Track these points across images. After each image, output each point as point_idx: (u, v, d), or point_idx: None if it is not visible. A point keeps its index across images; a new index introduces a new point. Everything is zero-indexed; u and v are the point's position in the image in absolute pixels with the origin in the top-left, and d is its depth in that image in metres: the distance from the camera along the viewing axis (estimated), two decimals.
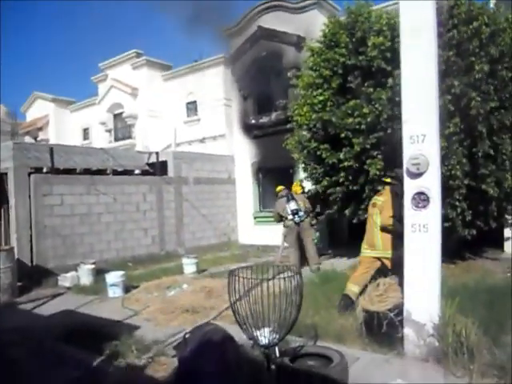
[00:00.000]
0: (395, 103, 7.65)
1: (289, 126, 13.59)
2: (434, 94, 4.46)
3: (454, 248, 9.57)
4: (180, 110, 18.30)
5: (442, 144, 7.20)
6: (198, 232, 13.72)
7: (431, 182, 4.42)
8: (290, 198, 9.32)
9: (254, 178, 14.91)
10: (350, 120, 7.87)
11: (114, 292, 7.83)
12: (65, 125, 23.45)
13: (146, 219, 12.09)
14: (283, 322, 3.81)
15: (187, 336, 4.29)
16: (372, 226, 6.01)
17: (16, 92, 56.06)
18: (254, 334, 3.84)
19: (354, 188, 8.47)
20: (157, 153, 12.99)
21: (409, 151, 4.50)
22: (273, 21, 14.07)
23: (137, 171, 13.00)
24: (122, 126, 19.87)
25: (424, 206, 4.44)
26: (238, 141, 15.31)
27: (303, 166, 9.71)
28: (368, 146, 7.85)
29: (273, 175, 14.50)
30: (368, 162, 7.81)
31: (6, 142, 10.69)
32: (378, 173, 7.62)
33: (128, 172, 12.57)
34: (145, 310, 6.69)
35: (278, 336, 3.80)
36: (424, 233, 4.43)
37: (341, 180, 8.45)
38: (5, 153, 9.88)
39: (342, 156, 8.19)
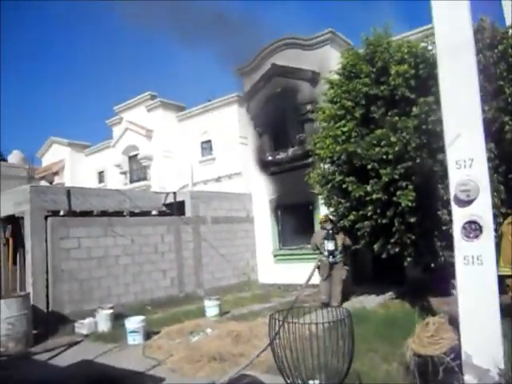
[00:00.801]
0: (422, 131, 7.41)
1: (308, 160, 13.52)
2: (478, 115, 4.15)
3: None
4: (195, 149, 18.27)
5: None
6: (217, 272, 13.28)
7: (483, 209, 4.05)
8: (330, 236, 9.02)
9: (272, 215, 14.56)
10: (377, 150, 7.57)
11: (134, 339, 7.39)
12: (80, 169, 23.58)
13: (164, 260, 11.73)
14: (333, 371, 3.38)
15: None
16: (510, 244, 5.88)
17: (32, 138, 57.44)
18: None
19: (383, 221, 8.07)
20: (174, 193, 12.79)
21: (456, 177, 4.15)
22: (286, 58, 14.11)
23: (154, 212, 12.76)
24: (137, 168, 19.86)
25: (476, 236, 4.05)
26: (255, 178, 15.08)
27: (326, 200, 9.34)
28: (396, 177, 7.50)
29: (292, 212, 14.16)
30: (398, 193, 7.45)
31: (23, 186, 10.58)
32: (410, 204, 7.24)
33: (145, 213, 12.33)
34: (168, 358, 6.23)
35: None
36: (478, 265, 4.01)
37: (369, 214, 8.06)
38: (21, 196, 9.72)
39: (369, 188, 7.85)
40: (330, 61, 13.27)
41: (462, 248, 4.11)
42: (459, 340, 4.14)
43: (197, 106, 18.41)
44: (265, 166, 14.66)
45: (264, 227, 14.68)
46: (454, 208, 4.18)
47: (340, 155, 8.16)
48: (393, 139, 7.35)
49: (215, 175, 17.42)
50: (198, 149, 18.27)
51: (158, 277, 11.56)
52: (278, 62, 14.22)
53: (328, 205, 9.26)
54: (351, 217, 8.37)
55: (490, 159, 6.70)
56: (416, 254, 8.06)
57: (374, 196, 7.78)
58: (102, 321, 8.65)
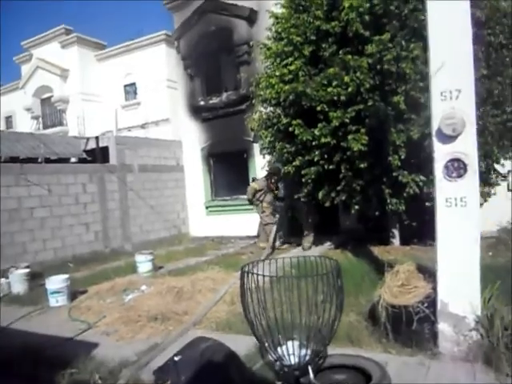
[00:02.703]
0: (376, 72, 6.95)
1: (243, 106, 12.79)
2: (468, 42, 3.68)
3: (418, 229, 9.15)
4: (117, 93, 16.69)
5: None
6: (146, 225, 12.39)
7: (468, 146, 3.66)
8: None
9: (204, 164, 13.75)
10: (329, 90, 7.00)
11: (57, 300, 6.46)
12: None
13: (86, 213, 10.61)
14: (316, 331, 2.87)
15: (177, 358, 3.22)
16: None
17: None
18: (279, 351, 2.87)
19: (330, 167, 7.66)
20: (96, 138, 11.48)
21: (440, 109, 3.69)
22: None
23: (73, 159, 11.45)
24: (51, 112, 17.85)
25: (460, 176, 3.67)
26: (185, 125, 14.05)
27: (269, 145, 8.70)
28: (347, 120, 7.04)
29: (225, 161, 13.46)
30: (349, 137, 7.00)
31: None
32: (362, 149, 6.84)
33: (63, 160, 10.99)
34: (101, 320, 5.45)
35: (308, 351, 2.86)
36: (462, 207, 3.65)
37: (315, 159, 7.59)
38: None
39: (317, 132, 7.32)
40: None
41: (444, 188, 3.72)
42: (434, 288, 3.84)
43: (119, 45, 16.64)
44: (196, 111, 13.67)
45: (195, 177, 13.87)
46: (437, 145, 3.74)
47: (287, 96, 7.49)
48: (346, 79, 6.80)
49: (140, 121, 16.12)
50: (120, 92, 16.73)
51: (81, 231, 10.47)
52: None
53: (271, 150, 8.65)
54: (296, 162, 7.86)
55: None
56: (364, 202, 7.78)
57: (322, 140, 7.29)
58: (17, 281, 7.55)
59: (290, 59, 7.63)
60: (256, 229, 12.60)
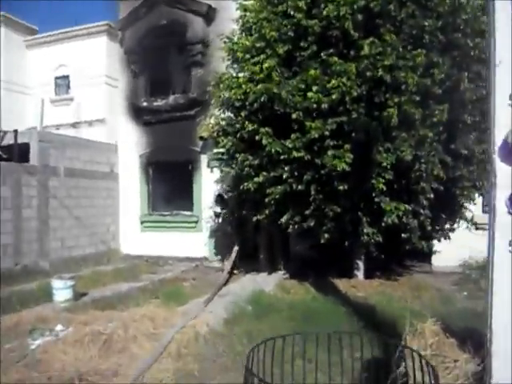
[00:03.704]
0: (366, 79, 5.95)
1: (191, 111, 11.46)
2: None
3: (384, 262, 8.33)
4: (47, 85, 14.64)
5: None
6: (69, 239, 10.53)
7: None
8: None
9: (142, 173, 12.16)
10: (310, 95, 5.88)
11: None
12: None
13: None
14: None
15: None
16: None
17: None
18: None
19: (299, 187, 6.54)
20: (15, 131, 9.56)
21: (506, 118, 2.67)
22: None
23: None
24: None
25: None
26: (123, 127, 12.41)
27: (227, 157, 7.44)
28: (327, 133, 5.96)
29: (167, 171, 11.98)
30: (329, 153, 5.92)
31: None
32: (346, 168, 5.76)
33: None
34: None
35: None
36: None
37: (284, 176, 6.43)
38: None
39: (289, 144, 6.19)
40: None
41: (507, 226, 2.67)
42: (483, 363, 2.76)
43: (53, 31, 14.68)
44: (137, 113, 12.13)
45: (131, 187, 12.22)
46: (499, 166, 2.71)
47: (257, 98, 6.29)
48: (331, 84, 5.74)
49: (72, 120, 14.18)
50: (51, 85, 14.70)
51: None
52: None
53: (228, 162, 7.36)
54: (259, 178, 6.65)
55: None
56: (336, 230, 6.70)
57: (294, 154, 6.16)
58: None
59: (262, 56, 6.46)
60: (195, 250, 11.26)
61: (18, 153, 9.44)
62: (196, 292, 7.51)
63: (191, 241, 11.36)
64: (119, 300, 6.77)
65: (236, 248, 8.26)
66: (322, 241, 6.87)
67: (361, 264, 8.08)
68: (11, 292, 7.44)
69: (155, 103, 11.83)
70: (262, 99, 6.21)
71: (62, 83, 14.66)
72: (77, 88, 14.47)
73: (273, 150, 6.31)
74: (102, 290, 7.63)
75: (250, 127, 6.49)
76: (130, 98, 12.23)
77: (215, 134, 7.90)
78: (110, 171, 12.09)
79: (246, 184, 6.87)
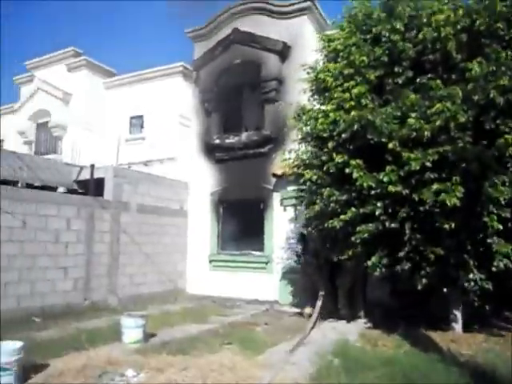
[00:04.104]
0: (473, 104, 5.28)
1: (264, 148, 11.17)
2: None
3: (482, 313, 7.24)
4: (122, 125, 15.08)
5: None
6: (138, 276, 10.30)
7: None
8: None
9: (213, 211, 11.90)
10: (410, 121, 5.28)
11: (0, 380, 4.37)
12: None
13: (67, 255, 8.58)
14: None
15: None
16: None
17: None
18: None
19: (392, 226, 5.83)
20: (92, 166, 9.67)
21: None
22: (252, 24, 11.67)
23: (61, 189, 9.57)
24: (45, 138, 16.14)
25: None
26: (194, 164, 12.33)
27: (310, 191, 6.85)
28: (428, 165, 5.28)
29: (237, 209, 11.64)
30: (434, 187, 5.21)
31: None
32: (458, 204, 5.01)
33: (49, 189, 9.12)
34: None
35: None
36: None
37: (377, 213, 5.77)
38: None
39: (384, 177, 5.56)
40: (304, 36, 11.11)
41: None
42: None
43: (131, 73, 15.25)
44: (210, 150, 12.03)
45: (200, 225, 11.96)
46: None
47: (347, 127, 5.78)
48: (437, 108, 5.11)
49: (143, 158, 14.36)
50: (125, 125, 15.12)
51: (57, 276, 8.38)
52: (241, 27, 11.71)
53: (312, 198, 6.77)
54: (348, 215, 6.01)
55: None
56: (436, 275, 5.86)
57: (392, 189, 5.50)
58: None
59: (352, 83, 5.99)
60: (265, 292, 10.62)
61: (94, 187, 9.46)
62: (271, 339, 6.83)
63: (261, 282, 10.79)
64: (190, 344, 6.23)
65: (322, 293, 7.52)
66: (419, 287, 6.03)
67: (458, 314, 7.07)
68: (79, 328, 7.18)
69: (228, 140, 11.68)
70: (355, 127, 5.68)
71: (136, 123, 15.03)
72: (150, 127, 14.74)
73: (365, 185, 5.71)
74: (171, 332, 7.15)
75: (339, 159, 5.94)
76: (203, 136, 12.20)
77: (295, 170, 7.41)
78: (180, 208, 11.94)
79: (331, 221, 6.24)
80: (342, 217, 6.14)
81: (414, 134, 5.38)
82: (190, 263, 11.99)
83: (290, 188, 10.42)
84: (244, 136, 11.54)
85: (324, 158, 6.24)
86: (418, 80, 5.72)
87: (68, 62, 15.55)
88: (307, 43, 10.91)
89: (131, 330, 6.10)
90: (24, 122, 16.43)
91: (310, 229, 7.21)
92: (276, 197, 10.94)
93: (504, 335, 7.13)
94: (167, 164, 14.00)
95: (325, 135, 6.18)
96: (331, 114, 5.97)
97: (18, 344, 4.62)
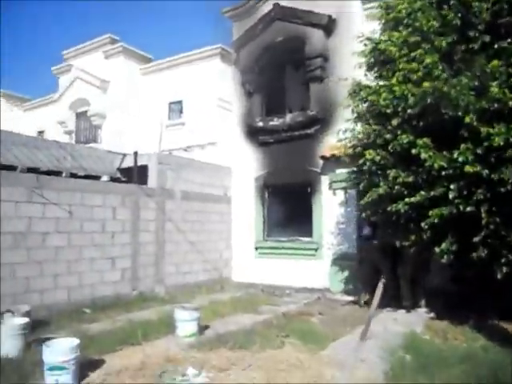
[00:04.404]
0: None
1: (311, 130, 10.62)
2: None
3: None
4: (161, 111, 14.83)
5: None
6: (184, 265, 10.07)
7: None
8: None
9: (257, 196, 11.49)
10: (493, 90, 4.66)
11: (57, 380, 4.13)
12: (16, 127, 19.29)
13: (114, 244, 8.39)
14: None
15: None
16: None
17: None
18: None
19: (467, 209, 5.25)
20: (135, 153, 9.41)
21: None
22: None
23: (105, 177, 9.38)
24: (85, 127, 16.12)
25: None
26: (237, 149, 11.93)
27: (374, 172, 6.27)
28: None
29: (284, 194, 11.17)
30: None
31: None
32: None
33: (92, 178, 8.93)
34: None
35: None
36: None
37: (451, 196, 5.20)
38: None
39: (459, 157, 4.97)
40: (351, 5, 10.39)
41: None
42: None
43: (167, 58, 14.92)
44: (253, 133, 11.57)
45: (245, 211, 11.59)
46: None
47: (417, 101, 5.19)
48: None
49: (183, 144, 14.08)
50: (164, 110, 14.87)
51: (105, 267, 8.21)
52: (282, 2, 11.10)
53: (374, 181, 6.20)
54: (416, 198, 5.46)
55: None
56: None
57: (469, 169, 4.91)
58: (8, 336, 5.27)
59: (420, 51, 5.37)
60: (314, 280, 10.19)
61: (137, 175, 9.22)
62: (330, 331, 6.41)
63: (310, 269, 10.34)
64: (247, 337, 5.87)
65: (383, 280, 7.04)
66: (499, 276, 5.44)
67: None
68: (130, 319, 6.98)
69: (271, 123, 11.19)
70: (428, 101, 5.08)
71: (175, 108, 14.75)
72: (189, 112, 14.42)
73: (435, 165, 5.13)
74: (224, 323, 6.83)
75: (404, 139, 5.35)
76: (245, 118, 11.75)
77: (351, 151, 6.86)
78: (224, 194, 11.60)
79: (395, 205, 5.70)
80: (407, 200, 5.59)
81: (496, 105, 4.76)
82: (236, 251, 11.67)
83: (340, 171, 9.86)
84: (288, 117, 11.01)
85: (388, 136, 5.67)
86: (495, 45, 5.04)
87: (105, 50, 15.38)
88: (355, 14, 10.25)
89: (186, 323, 5.80)
90: (64, 111, 16.45)
91: (368, 213, 6.60)
92: (324, 180, 10.39)
93: None
94: (208, 149, 13.69)
95: (388, 111, 5.59)
96: (397, 88, 5.37)
97: (75, 341, 4.37)
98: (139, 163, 9.47)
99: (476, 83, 4.96)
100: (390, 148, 5.60)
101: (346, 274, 9.70)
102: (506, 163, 4.97)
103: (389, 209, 5.83)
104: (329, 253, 10.22)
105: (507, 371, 4.45)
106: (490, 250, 5.41)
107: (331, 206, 10.19)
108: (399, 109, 5.48)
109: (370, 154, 5.75)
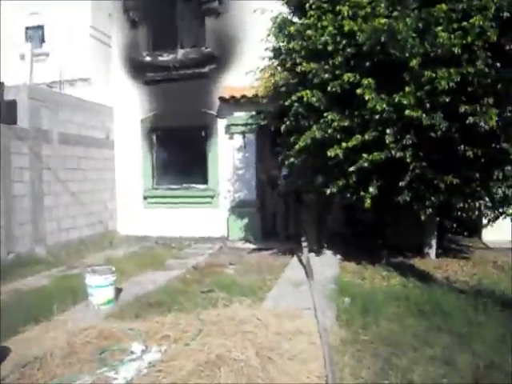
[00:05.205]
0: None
1: (204, 69, 9.81)
2: None
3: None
4: (16, 37, 12.33)
5: None
6: (66, 220, 8.76)
7: None
8: None
9: (145, 140, 10.43)
10: (443, 36, 4.53)
11: None
12: None
13: None
14: None
15: None
16: None
17: None
18: None
19: (398, 154, 5.29)
20: (1, 84, 7.57)
21: None
22: None
23: None
24: None
25: None
26: (119, 86, 10.53)
27: (308, 115, 5.87)
28: (452, 85, 4.68)
29: (174, 138, 10.33)
30: (462, 109, 4.66)
31: None
32: (493, 127, 4.53)
33: None
34: None
35: None
36: None
37: (388, 140, 5.14)
38: None
39: (403, 99, 4.86)
40: None
41: None
42: None
43: None
44: (138, 69, 10.30)
45: (130, 157, 10.47)
46: None
47: (368, 38, 4.83)
48: (472, 21, 4.42)
49: (47, 79, 12.02)
50: (20, 36, 12.39)
51: None
52: None
53: (302, 124, 5.83)
54: (352, 142, 5.30)
55: None
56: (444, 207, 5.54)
57: (412, 113, 4.87)
58: None
59: None
60: (211, 229, 9.82)
61: (5, 112, 7.49)
62: (252, 281, 6.14)
63: (206, 218, 9.92)
64: (170, 296, 5.29)
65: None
66: (423, 218, 5.68)
67: (433, 241, 7.03)
68: (17, 291, 5.78)
69: (161, 58, 10.05)
70: (382, 39, 4.79)
71: (35, 35, 12.41)
72: (53, 41, 12.26)
73: (378, 108, 4.96)
74: (135, 283, 6.09)
75: (350, 78, 5.04)
76: (128, 51, 10.35)
77: (271, 91, 6.38)
78: (106, 138, 10.26)
79: (332, 150, 5.45)
80: (344, 144, 5.40)
81: (439, 51, 4.70)
82: (121, 201, 10.57)
83: (238, 114, 9.42)
84: (180, 53, 9.98)
85: (326, 76, 5.30)
86: None
87: None
88: None
89: (100, 289, 4.94)
90: None
91: (291, 160, 6.28)
92: (220, 123, 9.83)
93: (468, 257, 7.28)
94: (80, 86, 11.92)
95: (330, 49, 5.20)
96: (345, 23, 4.96)
97: None
98: (6, 98, 7.68)
99: (420, 25, 4.82)
100: (329, 88, 5.25)
101: (245, 221, 9.51)
102: (439, 109, 5.03)
103: (329, 154, 5.53)
104: (226, 201, 9.87)
105: (438, 304, 4.67)
106: (414, 194, 5.58)
107: (228, 151, 9.75)
108: (340, 46, 5.12)
109: (306, 94, 5.33)
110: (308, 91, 5.34)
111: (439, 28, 4.68)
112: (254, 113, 9.09)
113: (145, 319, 4.43)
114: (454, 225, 7.28)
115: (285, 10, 6.61)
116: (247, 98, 8.84)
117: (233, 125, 9.45)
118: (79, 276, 6.44)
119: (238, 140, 9.54)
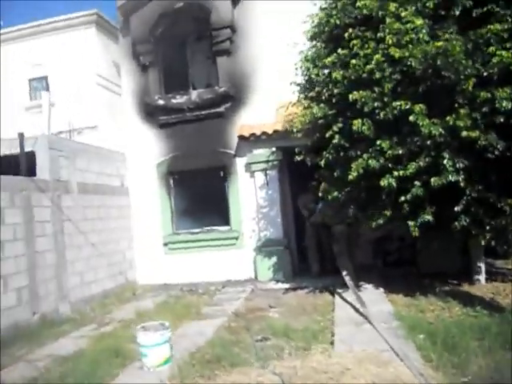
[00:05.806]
0: None
1: (220, 108, 9.67)
2: None
3: None
4: (20, 89, 12.18)
5: None
6: (88, 273, 8.29)
7: None
8: None
9: (161, 185, 10.10)
10: (500, 54, 4.39)
11: None
12: None
13: (5, 259, 6.34)
14: None
15: None
16: None
17: None
18: None
19: (454, 178, 5.04)
20: (21, 135, 7.27)
21: None
22: None
23: None
24: None
25: None
26: (131, 132, 10.31)
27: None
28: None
29: (193, 180, 10.00)
30: None
31: None
32: None
33: None
34: None
35: None
36: None
37: (448, 164, 4.90)
38: None
39: (457, 122, 4.66)
40: None
41: None
42: None
43: (27, 24, 12.27)
44: (151, 113, 10.11)
45: (147, 203, 10.11)
46: None
47: (419, 65, 4.68)
48: None
49: (53, 129, 11.76)
50: (24, 88, 12.24)
51: None
52: None
53: (350, 155, 5.59)
54: (408, 170, 5.06)
55: None
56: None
57: (471, 134, 4.68)
58: None
59: (410, 10, 4.89)
60: (238, 271, 9.39)
61: (25, 165, 7.18)
62: (305, 324, 5.73)
63: (231, 260, 9.49)
64: (225, 349, 4.85)
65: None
66: (483, 243, 5.39)
67: (483, 266, 6.73)
68: (49, 356, 5.27)
69: (174, 100, 9.86)
70: (438, 62, 4.63)
71: (39, 86, 12.27)
72: (58, 91, 12.11)
73: (434, 132, 4.75)
74: (181, 336, 5.61)
75: (403, 105, 4.84)
76: (140, 96, 10.18)
77: (307, 125, 6.18)
78: (121, 185, 9.94)
79: (384, 179, 5.19)
80: (394, 173, 5.16)
81: (495, 70, 4.56)
82: (140, 249, 10.13)
83: (258, 151, 9.21)
84: (194, 94, 9.83)
85: (376, 104, 5.11)
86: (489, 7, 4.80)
87: None
88: None
89: (156, 348, 4.48)
90: None
91: (335, 194, 6.00)
92: (240, 162, 9.59)
93: None
94: (87, 134, 11.70)
95: (376, 77, 5.03)
96: (392, 49, 4.80)
97: None
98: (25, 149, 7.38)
99: (469, 47, 4.70)
100: (381, 116, 5.04)
101: (273, 260, 9.10)
102: (494, 129, 4.86)
103: (382, 184, 5.26)
104: (251, 241, 9.49)
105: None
106: (472, 218, 5.31)
107: (249, 190, 9.46)
108: (387, 73, 4.95)
109: (357, 123, 5.11)
110: (359, 120, 5.13)
111: (492, 48, 4.55)
112: (274, 149, 8.94)
113: (212, 378, 4.00)
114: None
115: (300, 41, 6.57)
116: (267, 134, 8.70)
117: (253, 163, 9.22)
118: (115, 334, 6.08)
119: (260, 178, 9.28)
